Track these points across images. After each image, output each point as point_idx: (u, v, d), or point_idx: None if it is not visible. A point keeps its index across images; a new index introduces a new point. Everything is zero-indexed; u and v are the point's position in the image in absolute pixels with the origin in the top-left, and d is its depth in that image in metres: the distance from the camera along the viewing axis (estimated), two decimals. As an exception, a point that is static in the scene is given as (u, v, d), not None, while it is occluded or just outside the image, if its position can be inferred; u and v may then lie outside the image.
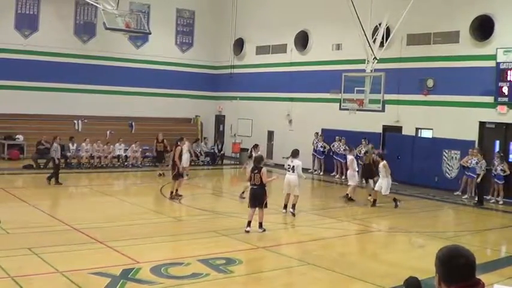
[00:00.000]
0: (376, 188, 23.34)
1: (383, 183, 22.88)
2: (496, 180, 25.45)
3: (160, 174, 30.11)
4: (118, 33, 34.84)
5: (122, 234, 16.41)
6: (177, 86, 41.72)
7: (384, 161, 23.07)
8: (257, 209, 17.50)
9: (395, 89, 29.94)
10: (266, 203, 17.68)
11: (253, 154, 23.22)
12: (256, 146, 25.12)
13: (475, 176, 25.94)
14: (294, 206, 20.62)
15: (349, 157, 25.64)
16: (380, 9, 28.18)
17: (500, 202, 25.24)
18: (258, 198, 17.50)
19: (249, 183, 18.07)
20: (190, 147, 31.14)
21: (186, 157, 27.92)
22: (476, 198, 25.21)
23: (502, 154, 25.96)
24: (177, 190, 23.12)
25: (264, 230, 17.56)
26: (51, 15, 36.99)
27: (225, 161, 38.67)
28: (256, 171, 17.58)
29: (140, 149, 34.67)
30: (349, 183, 24.91)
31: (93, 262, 12.95)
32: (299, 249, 15.76)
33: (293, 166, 20.71)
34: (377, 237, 18.59)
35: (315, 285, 12.81)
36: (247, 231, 17.30)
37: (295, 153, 21.14)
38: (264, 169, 17.75)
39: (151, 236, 16.34)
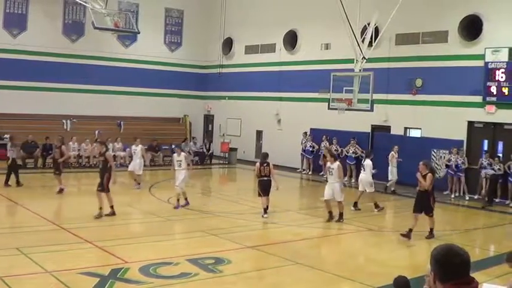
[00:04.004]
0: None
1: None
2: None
3: (61, 190, 23.89)
4: (107, 32, 34.72)
5: (111, 234, 16.39)
6: (165, 85, 41.63)
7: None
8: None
9: (384, 89, 30.03)
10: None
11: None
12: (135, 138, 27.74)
13: (457, 174, 26.96)
14: (356, 204, 22.64)
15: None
16: (369, 9, 28.22)
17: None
18: (268, 187, 20.42)
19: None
20: (143, 150, 27.92)
21: (138, 162, 26.59)
22: (486, 199, 25.30)
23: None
24: (112, 206, 19.27)
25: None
26: (39, 15, 36.85)
27: (213, 161, 38.64)
28: (265, 164, 20.57)
29: (128, 149, 34.58)
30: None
31: (81, 262, 12.92)
32: (288, 248, 15.76)
33: (365, 165, 22.70)
34: (366, 237, 18.61)
35: (303, 285, 12.82)
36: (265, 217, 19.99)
37: (368, 154, 23.72)
38: (271, 163, 20.71)
39: (140, 235, 16.34)
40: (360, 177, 23.17)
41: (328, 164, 20.65)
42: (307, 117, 34.91)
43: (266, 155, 21.22)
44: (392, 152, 26.61)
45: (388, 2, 27.43)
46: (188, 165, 22.56)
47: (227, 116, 42.02)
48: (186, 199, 21.39)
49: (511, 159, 25.06)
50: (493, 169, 25.49)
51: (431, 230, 17.81)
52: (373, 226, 19.63)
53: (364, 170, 22.77)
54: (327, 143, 32.59)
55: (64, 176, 25.10)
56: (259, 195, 20.47)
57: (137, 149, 26.84)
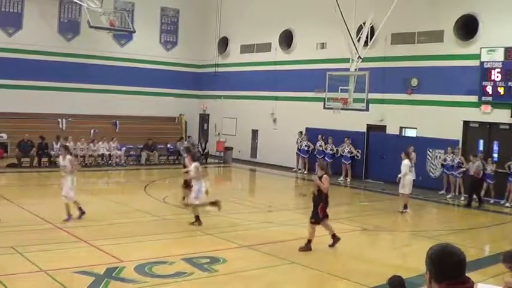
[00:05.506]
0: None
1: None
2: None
3: None
4: (102, 31, 34.74)
5: (106, 233, 16.37)
6: (161, 84, 41.61)
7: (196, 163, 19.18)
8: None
9: (380, 88, 30.02)
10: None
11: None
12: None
13: (454, 174, 26.88)
14: (406, 206, 22.36)
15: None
16: (364, 9, 28.25)
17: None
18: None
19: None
20: (78, 149, 26.03)
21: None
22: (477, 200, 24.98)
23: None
24: None
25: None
26: (35, 14, 36.81)
27: (209, 160, 38.61)
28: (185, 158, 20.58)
29: (124, 148, 34.67)
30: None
31: (77, 261, 12.91)
32: (283, 248, 15.74)
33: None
34: (361, 236, 18.62)
35: (298, 284, 12.83)
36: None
37: (407, 153, 22.96)
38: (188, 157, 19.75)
39: (135, 234, 16.30)
40: (409, 179, 22.49)
41: (187, 163, 19.55)
42: (302, 117, 34.90)
43: (187, 149, 21.38)
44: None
45: (383, 2, 27.48)
46: (74, 169, 18.55)
47: (223, 115, 42.00)
48: (69, 213, 17.87)
49: (511, 159, 25.04)
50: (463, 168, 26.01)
51: (309, 241, 15.52)
52: (368, 226, 19.63)
53: (411, 172, 22.59)
54: (322, 142, 32.62)
55: (59, 174, 24.99)
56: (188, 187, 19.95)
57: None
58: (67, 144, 25.48)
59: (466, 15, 27.58)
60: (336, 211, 22.71)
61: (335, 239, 15.95)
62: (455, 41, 28.21)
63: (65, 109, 36.99)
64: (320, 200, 15.51)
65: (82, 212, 18.19)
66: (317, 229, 15.60)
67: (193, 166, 18.64)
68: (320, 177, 15.57)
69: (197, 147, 38.53)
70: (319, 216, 15.47)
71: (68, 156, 18.42)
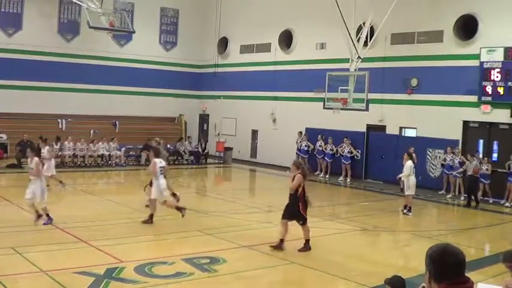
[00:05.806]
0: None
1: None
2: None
3: None
4: (102, 32, 34.73)
5: (106, 234, 16.35)
6: (161, 84, 41.61)
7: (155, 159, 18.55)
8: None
9: (379, 88, 30.02)
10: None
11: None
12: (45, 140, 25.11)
13: (455, 173, 26.87)
14: (405, 207, 22.16)
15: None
16: (364, 9, 28.24)
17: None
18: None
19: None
20: (51, 151, 25.10)
21: (52, 164, 23.45)
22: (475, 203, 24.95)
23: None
24: None
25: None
26: (35, 14, 36.80)
27: (209, 160, 38.61)
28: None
29: (124, 148, 34.67)
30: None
31: (77, 261, 12.89)
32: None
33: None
34: (361, 236, 18.61)
35: (298, 284, 12.82)
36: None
37: (409, 154, 22.74)
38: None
39: (135, 235, 16.28)
40: (413, 180, 22.17)
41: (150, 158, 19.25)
42: (302, 117, 34.89)
43: (152, 147, 21.15)
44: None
45: (383, 2, 27.46)
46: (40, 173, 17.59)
47: (222, 115, 42.00)
48: (43, 214, 17.13)
49: (511, 159, 25.01)
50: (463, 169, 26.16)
51: (307, 241, 15.45)
52: (368, 226, 19.62)
53: (413, 173, 22.36)
54: (322, 142, 32.60)
55: (59, 175, 25.01)
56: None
57: (44, 151, 23.94)
58: (49, 146, 25.23)
59: (466, 15, 27.59)
60: (336, 211, 22.81)
61: (282, 244, 15.28)
62: (455, 41, 28.22)
63: (65, 109, 37.00)
64: (297, 199, 15.10)
65: (39, 216, 16.91)
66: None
67: (152, 162, 18.46)
68: (294, 177, 15.18)
69: (197, 147, 38.60)
70: (304, 217, 15.26)
71: (35, 159, 17.39)
